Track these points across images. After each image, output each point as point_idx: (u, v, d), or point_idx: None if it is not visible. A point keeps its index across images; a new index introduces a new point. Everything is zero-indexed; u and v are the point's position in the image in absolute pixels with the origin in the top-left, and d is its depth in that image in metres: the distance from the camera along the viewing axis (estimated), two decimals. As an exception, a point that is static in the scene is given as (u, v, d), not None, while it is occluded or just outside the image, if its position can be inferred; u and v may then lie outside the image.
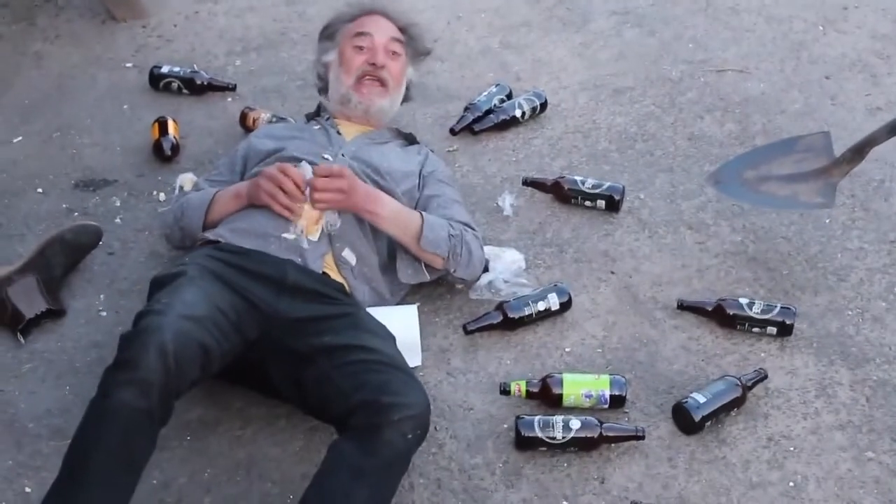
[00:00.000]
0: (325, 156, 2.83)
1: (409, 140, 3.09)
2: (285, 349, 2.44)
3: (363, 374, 2.32)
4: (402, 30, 3.08)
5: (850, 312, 2.86)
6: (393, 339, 2.52)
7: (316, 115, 3.12)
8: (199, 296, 2.34)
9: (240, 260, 2.53)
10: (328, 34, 3.12)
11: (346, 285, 2.64)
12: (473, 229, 2.82)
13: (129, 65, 3.84)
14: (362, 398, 2.25)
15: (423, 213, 2.76)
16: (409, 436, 2.22)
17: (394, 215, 2.72)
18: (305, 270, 2.58)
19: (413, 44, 3.10)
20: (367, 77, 2.98)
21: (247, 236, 2.62)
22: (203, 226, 2.75)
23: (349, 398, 2.27)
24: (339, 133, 2.96)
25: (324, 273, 2.62)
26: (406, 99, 3.16)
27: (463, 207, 2.91)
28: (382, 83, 2.99)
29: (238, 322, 2.39)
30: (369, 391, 2.27)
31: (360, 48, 2.99)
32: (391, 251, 2.79)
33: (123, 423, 2.13)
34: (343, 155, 2.85)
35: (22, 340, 2.77)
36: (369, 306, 2.67)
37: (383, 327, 2.53)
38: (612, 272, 2.97)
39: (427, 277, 2.80)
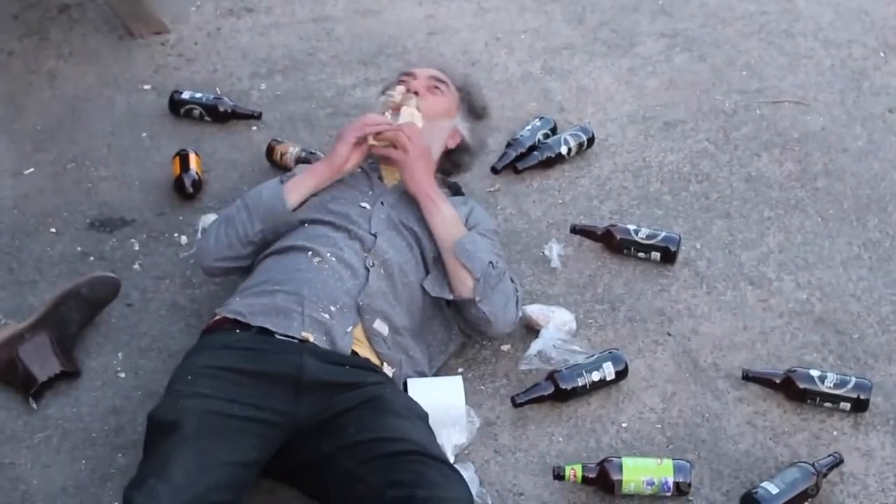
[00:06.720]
0: (363, 204, 2.64)
1: (454, 190, 2.86)
2: (306, 454, 2.26)
3: (395, 468, 2.13)
4: (458, 88, 2.88)
5: (928, 384, 2.65)
6: (425, 417, 2.32)
7: None
8: (196, 465, 2.08)
9: (250, 363, 2.29)
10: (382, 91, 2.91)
11: (375, 359, 2.43)
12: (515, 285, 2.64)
13: (147, 86, 3.60)
14: (396, 495, 2.07)
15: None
16: None
17: (449, 214, 2.62)
18: (326, 356, 2.35)
19: (469, 99, 2.88)
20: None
21: (267, 314, 2.39)
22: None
23: (382, 496, 2.08)
24: (380, 179, 2.75)
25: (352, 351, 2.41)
26: (458, 165, 2.91)
27: (504, 263, 2.67)
28: None
29: (254, 458, 2.19)
30: (404, 486, 2.07)
31: (402, 82, 2.81)
32: (424, 311, 2.59)
33: None
34: (382, 203, 2.66)
35: (34, 406, 2.57)
36: (409, 377, 2.48)
37: (413, 406, 2.34)
38: (669, 334, 2.75)
39: (450, 296, 2.59)
